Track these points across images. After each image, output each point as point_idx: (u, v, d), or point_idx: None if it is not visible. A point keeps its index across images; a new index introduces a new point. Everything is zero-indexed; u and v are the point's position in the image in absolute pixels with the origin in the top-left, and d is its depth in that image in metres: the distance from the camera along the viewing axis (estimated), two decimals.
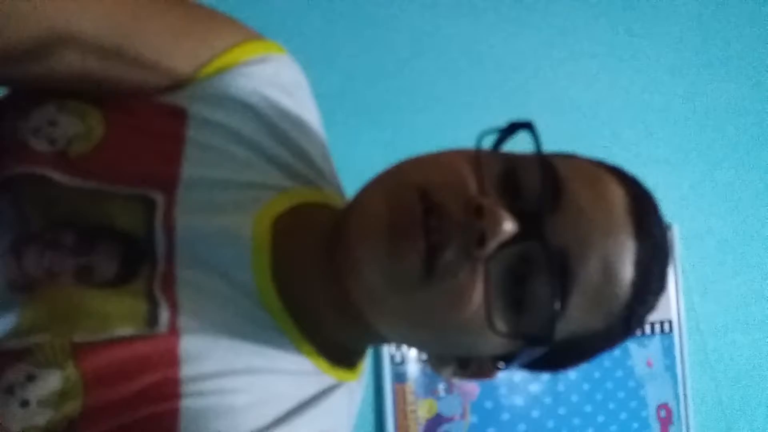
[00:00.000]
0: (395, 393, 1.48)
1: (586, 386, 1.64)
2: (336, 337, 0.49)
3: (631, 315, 0.45)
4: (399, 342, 0.51)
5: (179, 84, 0.49)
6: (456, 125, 1.56)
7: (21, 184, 0.47)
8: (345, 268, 0.44)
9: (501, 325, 0.42)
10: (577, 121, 1.68)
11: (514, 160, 0.45)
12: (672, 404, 1.72)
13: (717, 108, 1.83)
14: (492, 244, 0.41)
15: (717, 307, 1.79)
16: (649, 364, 1.71)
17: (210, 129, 0.49)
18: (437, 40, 1.58)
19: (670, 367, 1.73)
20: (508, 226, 0.41)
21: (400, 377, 1.49)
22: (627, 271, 0.44)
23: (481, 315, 0.42)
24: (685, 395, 1.72)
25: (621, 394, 1.68)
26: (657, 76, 1.78)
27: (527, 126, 0.44)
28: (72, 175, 0.46)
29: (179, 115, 0.49)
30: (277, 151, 0.51)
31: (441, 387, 1.51)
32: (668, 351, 1.72)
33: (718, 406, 1.77)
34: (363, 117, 1.48)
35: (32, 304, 0.44)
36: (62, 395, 0.41)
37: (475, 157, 0.44)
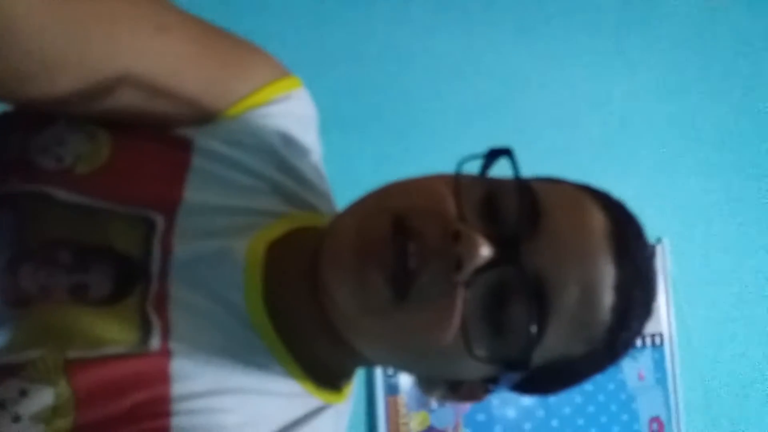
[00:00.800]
0: (387, 405, 1.48)
1: (578, 399, 1.65)
2: (324, 358, 0.50)
3: (614, 340, 0.45)
4: (384, 365, 0.51)
5: (202, 119, 0.50)
6: (446, 140, 1.57)
7: (24, 200, 0.47)
8: (322, 293, 0.45)
9: (479, 349, 0.43)
10: (568, 136, 1.69)
11: (494, 184, 0.45)
12: (664, 417, 1.72)
13: (708, 121, 1.85)
14: (468, 269, 0.41)
15: (708, 319, 1.80)
16: (640, 377, 1.71)
17: (215, 159, 0.50)
18: (429, 55, 1.60)
19: (662, 380, 1.73)
20: (485, 251, 0.41)
21: (392, 389, 1.48)
22: (606, 296, 0.43)
23: (460, 339, 0.42)
24: (676, 408, 1.73)
25: (613, 407, 1.68)
26: (648, 91, 1.80)
27: (506, 152, 0.44)
28: (75, 192, 0.47)
29: (185, 145, 0.49)
30: (281, 179, 0.52)
31: (433, 399, 1.51)
32: (659, 364, 1.73)
33: (710, 419, 1.78)
34: (353, 130, 1.48)
35: (27, 319, 0.44)
36: (54, 411, 0.41)
37: (455, 182, 0.44)
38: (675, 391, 1.73)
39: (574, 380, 0.49)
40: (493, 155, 0.45)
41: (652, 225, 0.49)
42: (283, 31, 1.45)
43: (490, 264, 0.41)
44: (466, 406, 1.55)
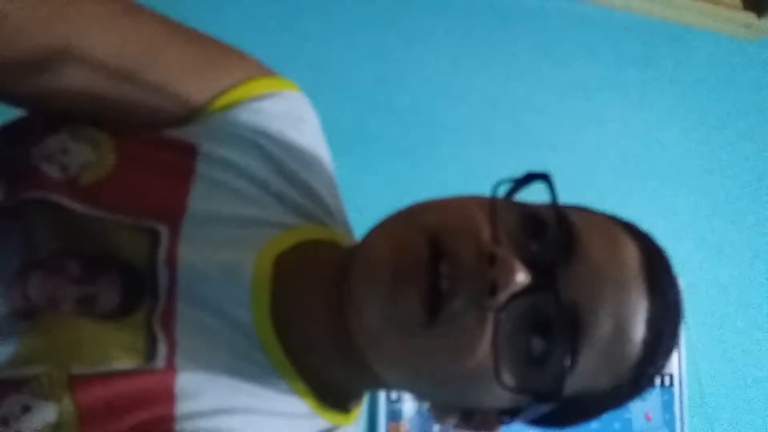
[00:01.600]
0: None
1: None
2: (334, 379, 0.49)
3: (640, 375, 0.45)
4: (400, 388, 0.50)
5: (189, 117, 0.49)
6: (470, 164, 1.57)
7: (32, 209, 0.47)
8: (348, 307, 0.43)
9: (508, 378, 0.41)
10: (588, 167, 1.69)
11: (529, 209, 0.44)
12: None
13: (721, 159, 1.84)
14: (504, 295, 0.40)
15: (719, 362, 1.76)
16: (647, 418, 1.68)
17: (219, 166, 0.49)
18: (455, 81, 1.61)
19: (670, 423, 1.69)
20: (521, 277, 0.40)
21: (395, 415, 1.46)
22: (639, 329, 0.43)
23: (488, 366, 0.41)
24: None
25: None
26: (664, 127, 1.80)
27: (544, 177, 0.44)
28: (82, 202, 0.47)
29: (189, 151, 0.49)
30: (285, 188, 0.51)
31: (436, 428, 1.49)
32: (668, 405, 1.69)
33: None
34: (377, 153, 1.49)
35: (32, 332, 0.44)
36: (57, 428, 0.41)
37: (490, 204, 0.43)
38: None
39: (594, 414, 0.48)
40: (529, 179, 0.45)
41: (675, 270, 0.49)
42: (310, 53, 1.46)
43: (526, 290, 0.40)
44: None
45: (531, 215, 0.44)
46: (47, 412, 0.41)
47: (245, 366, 0.46)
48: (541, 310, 0.41)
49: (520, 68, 1.67)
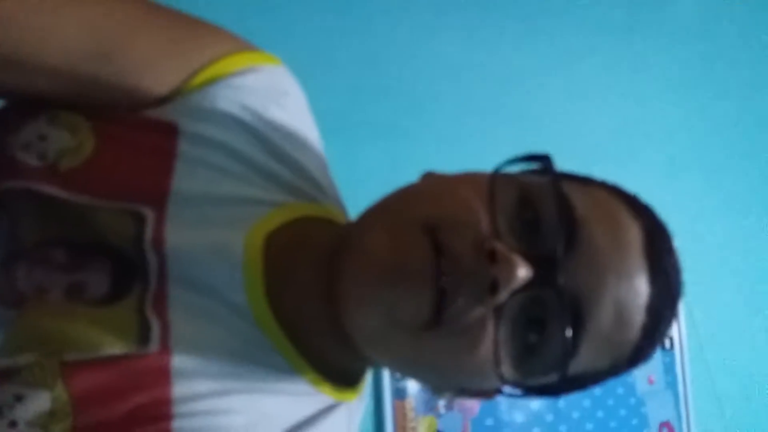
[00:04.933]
0: (395, 410, 1.47)
1: (587, 403, 1.63)
2: (334, 357, 0.48)
3: (638, 354, 0.45)
4: (397, 372, 0.50)
5: (168, 96, 0.48)
6: (460, 140, 1.56)
7: (12, 199, 0.46)
8: (339, 303, 0.43)
9: (508, 371, 0.42)
10: (585, 139, 1.68)
11: (529, 188, 0.43)
12: (674, 422, 1.70)
13: (715, 120, 1.84)
14: (505, 292, 0.39)
15: (719, 322, 1.78)
16: (650, 382, 1.70)
17: (202, 144, 0.48)
18: (441, 57, 1.59)
19: (672, 384, 1.71)
20: (522, 273, 0.39)
21: (400, 393, 1.47)
22: (639, 315, 0.43)
23: (489, 360, 0.41)
24: (687, 413, 1.70)
25: (622, 412, 1.66)
26: (663, 93, 1.79)
27: (544, 158, 0.43)
28: (62, 189, 0.46)
29: (170, 130, 0.48)
30: (272, 165, 0.50)
31: (441, 404, 1.50)
32: (670, 368, 1.71)
33: (721, 424, 1.76)
34: (366, 132, 1.48)
35: (21, 321, 0.43)
36: (51, 416, 0.40)
37: (488, 188, 0.42)
38: (685, 396, 1.71)
39: (589, 386, 0.48)
40: (529, 160, 0.44)
41: (676, 248, 0.49)
42: (297, 33, 1.44)
43: (527, 285, 0.40)
44: (475, 411, 1.53)
45: (529, 195, 0.43)
46: (40, 401, 0.40)
47: (241, 345, 0.45)
48: (541, 302, 0.41)
49: (506, 41, 1.65)
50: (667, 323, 0.45)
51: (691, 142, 1.81)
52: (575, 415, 1.62)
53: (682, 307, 1.73)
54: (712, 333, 1.76)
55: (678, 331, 1.72)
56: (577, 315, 0.41)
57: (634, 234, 0.43)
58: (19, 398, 0.40)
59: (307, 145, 0.53)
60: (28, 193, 0.46)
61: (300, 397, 0.47)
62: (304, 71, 0.57)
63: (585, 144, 1.68)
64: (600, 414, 1.64)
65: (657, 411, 1.69)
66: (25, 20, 0.43)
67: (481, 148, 1.59)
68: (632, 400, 1.67)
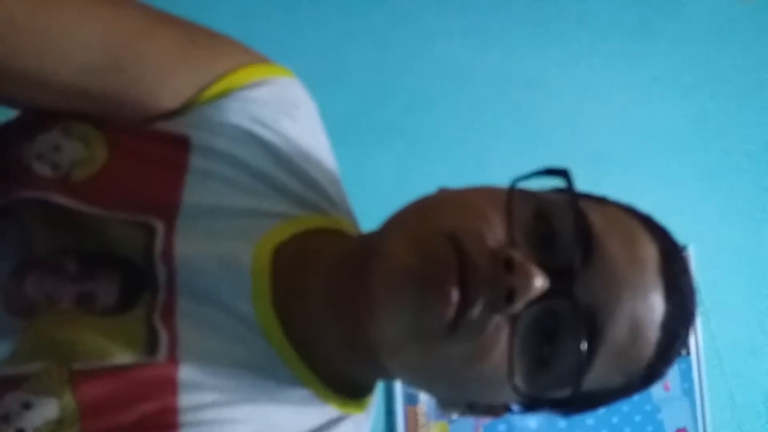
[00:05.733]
0: (407, 415, 1.46)
1: (601, 409, 1.61)
2: (342, 368, 0.48)
3: (652, 372, 0.45)
4: (409, 384, 0.50)
5: (181, 108, 0.49)
6: (470, 146, 1.56)
7: (25, 208, 0.46)
8: (365, 312, 0.43)
9: (521, 382, 0.41)
10: (592, 141, 1.67)
11: (546, 203, 0.43)
12: (690, 429, 1.68)
13: (733, 126, 1.82)
14: (521, 302, 0.39)
15: (735, 328, 1.75)
16: (666, 388, 1.68)
17: (213, 157, 0.48)
18: (452, 62, 1.59)
19: (688, 391, 1.69)
20: (539, 283, 0.39)
21: (411, 399, 1.47)
22: (653, 332, 0.43)
23: (503, 370, 0.41)
24: (703, 420, 1.68)
25: (637, 418, 1.65)
26: (672, 96, 1.77)
27: (563, 173, 0.43)
28: (74, 200, 0.46)
29: (182, 143, 0.48)
30: (283, 177, 0.50)
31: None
32: (686, 374, 1.69)
33: (738, 431, 1.73)
34: (374, 138, 1.48)
35: (31, 330, 0.44)
36: (58, 424, 0.41)
37: (506, 201, 0.42)
38: (702, 403, 1.69)
39: (601, 406, 0.48)
40: (548, 174, 0.44)
41: (677, 232, 0.48)
42: (306, 39, 1.45)
43: (543, 296, 0.40)
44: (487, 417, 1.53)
45: (548, 210, 0.43)
46: (48, 409, 0.41)
47: (248, 356, 0.46)
48: (557, 313, 0.41)
49: (518, 44, 1.65)
50: (682, 342, 0.45)
51: (703, 146, 1.80)
52: (590, 421, 1.60)
53: (698, 313, 1.71)
54: (729, 338, 1.74)
55: (694, 336, 1.70)
56: (593, 328, 0.41)
57: (650, 252, 0.43)
58: (26, 406, 0.41)
59: (317, 156, 0.53)
60: (40, 203, 0.46)
61: (306, 408, 0.47)
62: (312, 77, 0.57)
63: (593, 146, 1.67)
64: (615, 420, 1.62)
65: (673, 418, 1.67)
66: (40, 34, 0.44)
67: (489, 152, 1.59)
68: (648, 407, 1.65)
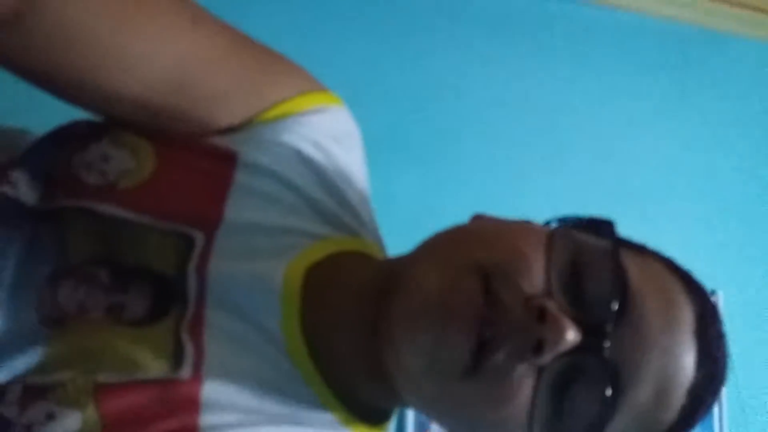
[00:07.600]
0: None
1: None
2: (364, 393, 0.48)
3: None
4: (426, 416, 0.50)
5: (237, 126, 0.49)
6: (501, 173, 1.56)
7: (67, 216, 0.47)
8: (386, 340, 0.42)
9: (539, 431, 0.41)
10: (626, 177, 1.66)
11: (586, 252, 0.42)
12: None
13: (764, 172, 1.79)
14: (550, 355, 0.39)
15: (763, 382, 1.70)
16: None
17: (258, 173, 0.49)
18: (488, 89, 1.60)
19: None
20: (570, 336, 0.39)
21: (422, 425, 1.45)
22: (679, 397, 0.42)
23: (522, 419, 0.40)
24: None
25: None
26: (710, 138, 1.75)
27: (608, 224, 0.43)
28: (116, 206, 0.47)
29: (229, 158, 0.49)
30: (321, 196, 0.51)
31: None
32: (707, 423, 1.64)
33: None
34: (407, 159, 1.48)
35: (60, 339, 0.44)
36: None
37: (546, 243, 0.42)
38: None
39: None
40: (591, 223, 0.43)
41: (705, 277, 0.47)
42: (339, 56, 1.47)
43: (572, 350, 0.39)
44: None
45: (587, 260, 0.42)
46: (71, 421, 0.41)
47: (273, 375, 0.45)
48: (584, 369, 0.41)
49: (554, 76, 1.65)
50: (707, 409, 0.44)
51: (740, 192, 1.77)
52: None
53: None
54: (756, 392, 1.69)
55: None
56: (616, 385, 0.40)
57: (686, 313, 0.43)
58: (50, 416, 0.41)
59: (356, 183, 0.54)
60: (83, 211, 0.47)
61: (326, 430, 0.47)
62: (350, 93, 0.58)
63: (627, 182, 1.65)
64: None
65: None
66: (119, 53, 0.45)
67: (521, 182, 1.58)
68: None
